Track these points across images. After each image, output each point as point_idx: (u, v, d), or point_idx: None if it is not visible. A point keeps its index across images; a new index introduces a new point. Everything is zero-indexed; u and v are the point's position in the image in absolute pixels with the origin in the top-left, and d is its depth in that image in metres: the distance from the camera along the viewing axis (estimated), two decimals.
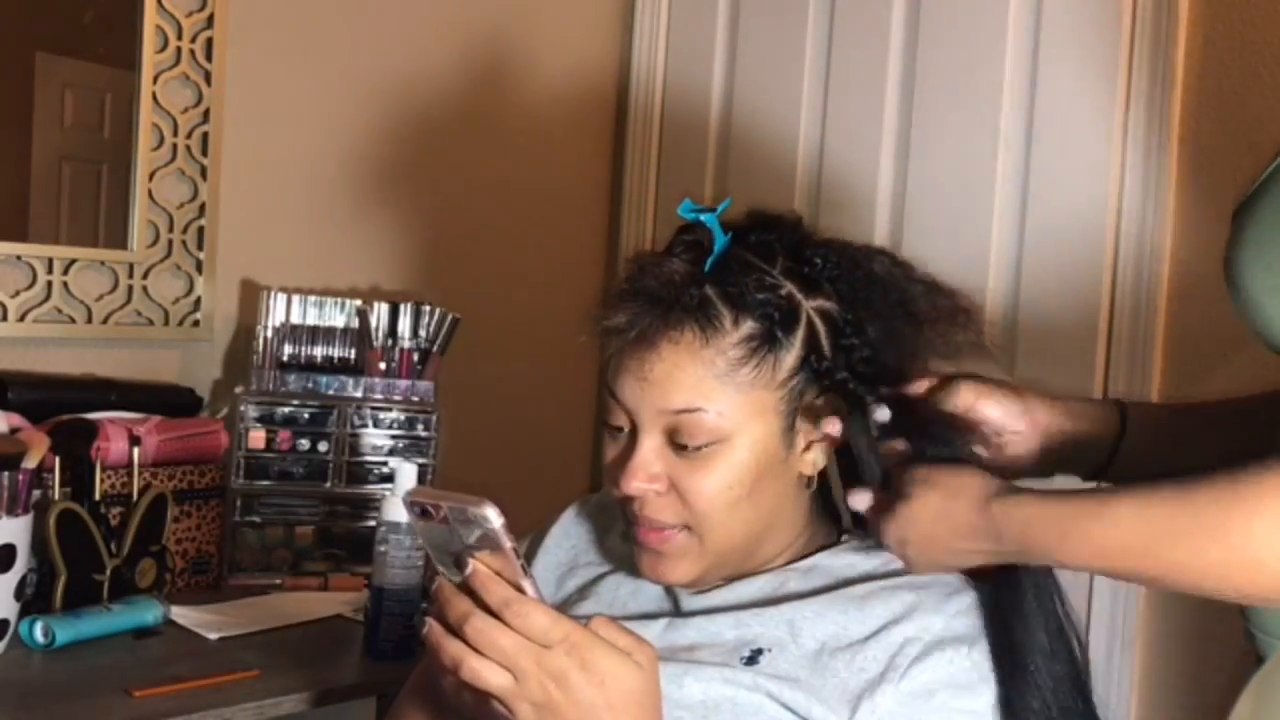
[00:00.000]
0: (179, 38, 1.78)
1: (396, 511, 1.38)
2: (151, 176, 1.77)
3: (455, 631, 0.78)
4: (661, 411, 0.91)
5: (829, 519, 1.04)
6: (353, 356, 1.83)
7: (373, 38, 2.02)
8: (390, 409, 1.79)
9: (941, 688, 0.87)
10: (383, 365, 1.81)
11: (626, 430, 0.94)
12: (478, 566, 0.79)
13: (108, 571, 1.48)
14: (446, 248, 2.13)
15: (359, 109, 2.01)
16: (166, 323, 1.80)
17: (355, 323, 1.82)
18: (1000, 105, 1.84)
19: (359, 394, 1.79)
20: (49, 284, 1.69)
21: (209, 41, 1.80)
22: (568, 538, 1.11)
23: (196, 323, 1.83)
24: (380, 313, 1.82)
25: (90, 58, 1.76)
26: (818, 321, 0.94)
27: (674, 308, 0.91)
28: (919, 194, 1.94)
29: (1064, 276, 1.78)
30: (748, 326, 0.91)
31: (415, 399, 1.81)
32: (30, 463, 1.34)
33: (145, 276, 1.78)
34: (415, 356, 1.83)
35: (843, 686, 0.87)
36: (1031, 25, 1.82)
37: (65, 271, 1.71)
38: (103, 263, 1.75)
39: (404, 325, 1.83)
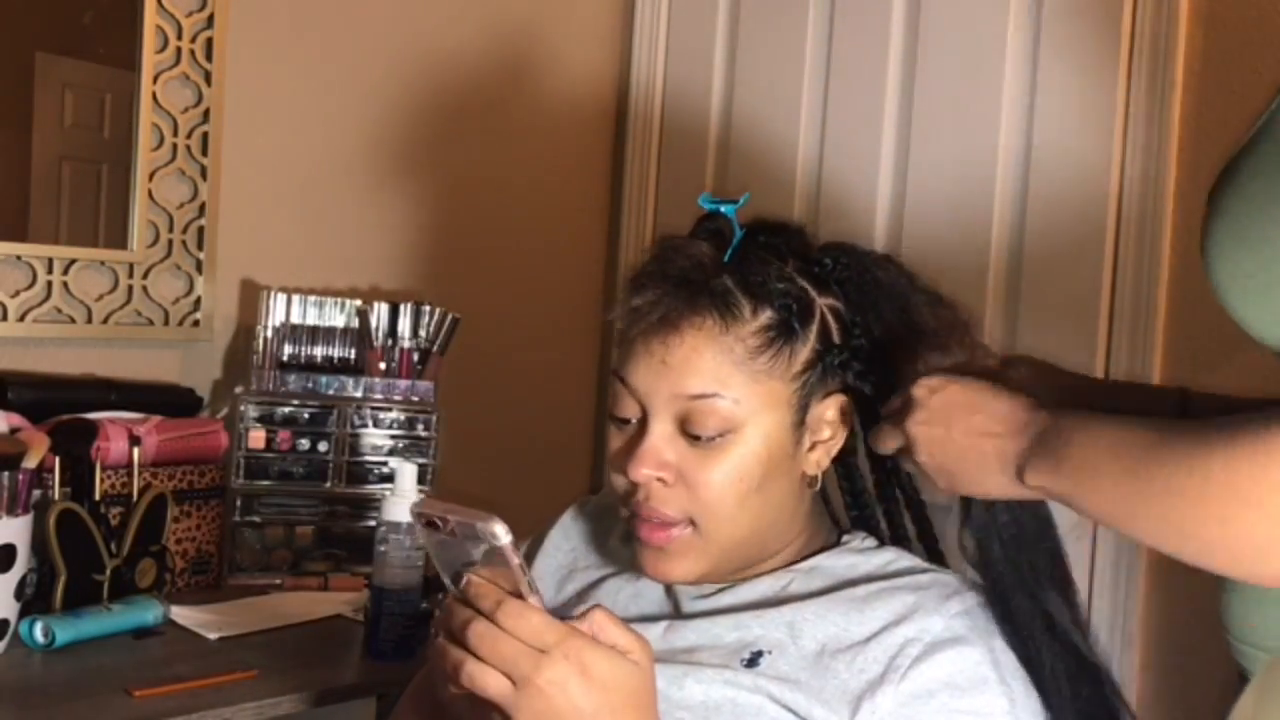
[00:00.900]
0: (179, 38, 1.78)
1: (396, 511, 1.38)
2: (151, 176, 1.77)
3: (458, 638, 0.78)
4: (677, 396, 0.91)
5: (829, 521, 1.04)
6: (353, 356, 1.83)
7: (373, 38, 2.02)
8: (390, 409, 1.79)
9: (941, 688, 0.87)
10: (383, 365, 1.81)
11: (635, 420, 0.94)
12: (472, 576, 0.79)
13: (108, 571, 1.48)
14: (446, 248, 2.13)
15: (359, 109, 2.01)
16: (166, 323, 1.80)
17: (355, 323, 1.83)
18: (1000, 106, 1.84)
19: (359, 394, 1.79)
20: (49, 284, 1.70)
21: (209, 41, 1.80)
22: (567, 540, 1.11)
23: (196, 323, 1.83)
24: (380, 313, 1.82)
25: (90, 58, 1.76)
26: (830, 318, 0.95)
27: (701, 292, 0.91)
28: (919, 196, 1.94)
29: (1064, 276, 1.78)
30: (766, 316, 0.92)
31: (415, 399, 1.81)
32: (30, 463, 1.34)
33: (145, 276, 1.78)
34: (415, 356, 1.83)
35: (843, 688, 0.87)
36: (1031, 26, 1.82)
37: (65, 271, 1.71)
38: (103, 263, 1.75)
39: (404, 325, 1.83)
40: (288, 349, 1.79)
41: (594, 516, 1.12)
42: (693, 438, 0.91)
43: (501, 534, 0.77)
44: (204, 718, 1.21)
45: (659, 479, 0.92)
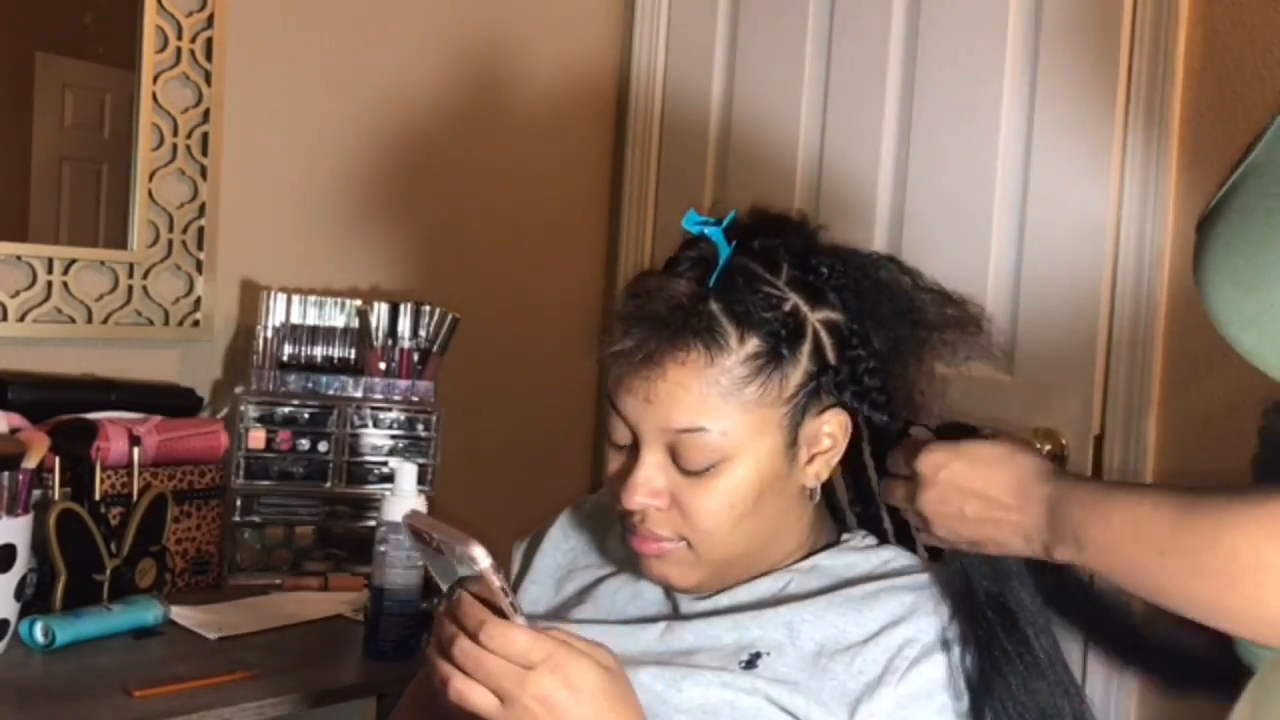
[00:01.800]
0: (179, 38, 1.78)
1: (396, 511, 1.38)
2: (151, 176, 1.77)
3: (446, 654, 0.79)
4: (664, 430, 0.91)
5: (830, 520, 1.04)
6: (353, 356, 1.83)
7: (373, 38, 2.02)
8: (390, 409, 1.79)
9: (940, 689, 0.87)
10: (383, 365, 1.81)
11: (629, 445, 0.94)
12: (461, 594, 0.79)
13: (108, 571, 1.48)
14: (446, 248, 2.13)
15: (359, 109, 2.01)
16: (166, 323, 1.80)
17: (355, 323, 1.82)
18: (1000, 106, 1.84)
19: (359, 394, 1.79)
20: (49, 284, 1.69)
21: (209, 41, 1.80)
22: (565, 540, 1.11)
23: (196, 323, 1.83)
24: (380, 313, 1.82)
25: (90, 58, 1.76)
26: (824, 334, 0.93)
27: (683, 328, 0.90)
28: (919, 195, 1.94)
29: (1063, 278, 1.78)
30: (753, 344, 0.90)
31: (415, 399, 1.81)
32: (30, 463, 1.34)
33: (145, 276, 1.78)
34: (415, 356, 1.83)
35: (841, 689, 0.87)
36: (1031, 26, 1.82)
37: (65, 271, 1.71)
38: (103, 263, 1.75)
39: (404, 325, 1.83)
40: (288, 349, 1.79)
41: (592, 516, 1.12)
42: (684, 466, 0.91)
43: (481, 558, 0.77)
44: (204, 718, 1.21)
45: (654, 506, 0.92)
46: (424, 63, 2.08)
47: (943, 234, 1.89)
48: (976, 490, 0.87)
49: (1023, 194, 1.83)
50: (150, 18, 1.74)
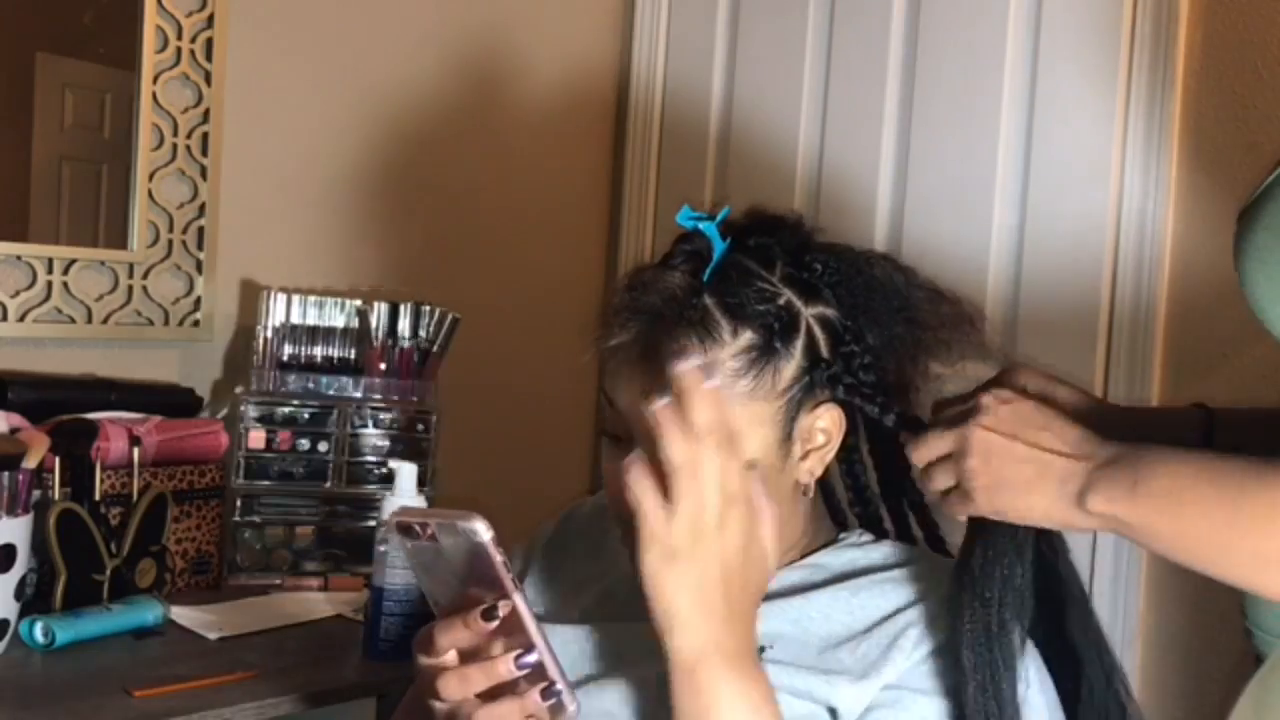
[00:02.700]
0: (179, 38, 1.78)
1: None
2: (151, 176, 1.77)
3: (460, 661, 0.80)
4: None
5: (828, 519, 1.04)
6: (353, 356, 1.83)
7: (372, 37, 2.02)
8: (390, 409, 1.79)
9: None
10: (383, 365, 1.81)
11: (624, 438, 0.94)
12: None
13: (108, 571, 1.48)
14: (446, 248, 2.13)
15: (359, 108, 2.01)
16: (166, 323, 1.80)
17: (355, 323, 1.82)
18: (1000, 105, 1.84)
19: (359, 394, 1.79)
20: (49, 284, 1.69)
21: (209, 41, 1.80)
22: (565, 549, 1.11)
23: (196, 323, 1.83)
24: (380, 313, 1.82)
25: (90, 58, 1.76)
26: (817, 329, 0.93)
27: (678, 320, 0.90)
28: (919, 194, 1.94)
29: (1064, 276, 1.78)
30: (746, 337, 0.90)
31: (415, 399, 1.81)
32: (30, 463, 1.34)
33: (145, 276, 1.78)
34: (415, 356, 1.83)
35: (848, 670, 0.88)
36: (1031, 25, 1.82)
37: (65, 271, 1.71)
38: (103, 263, 1.75)
39: (404, 325, 1.83)
40: (288, 349, 1.79)
41: (592, 517, 1.11)
42: None
43: (482, 530, 0.76)
44: (204, 718, 1.21)
45: None
46: (424, 62, 2.08)
47: (943, 233, 1.89)
48: (1041, 424, 0.83)
49: (1023, 194, 1.83)
50: (150, 18, 1.74)
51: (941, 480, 0.88)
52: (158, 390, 1.76)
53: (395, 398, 1.80)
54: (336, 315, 1.82)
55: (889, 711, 0.86)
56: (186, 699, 1.24)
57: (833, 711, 0.86)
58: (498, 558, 0.77)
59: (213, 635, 1.44)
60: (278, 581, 1.70)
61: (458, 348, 1.87)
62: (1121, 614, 1.70)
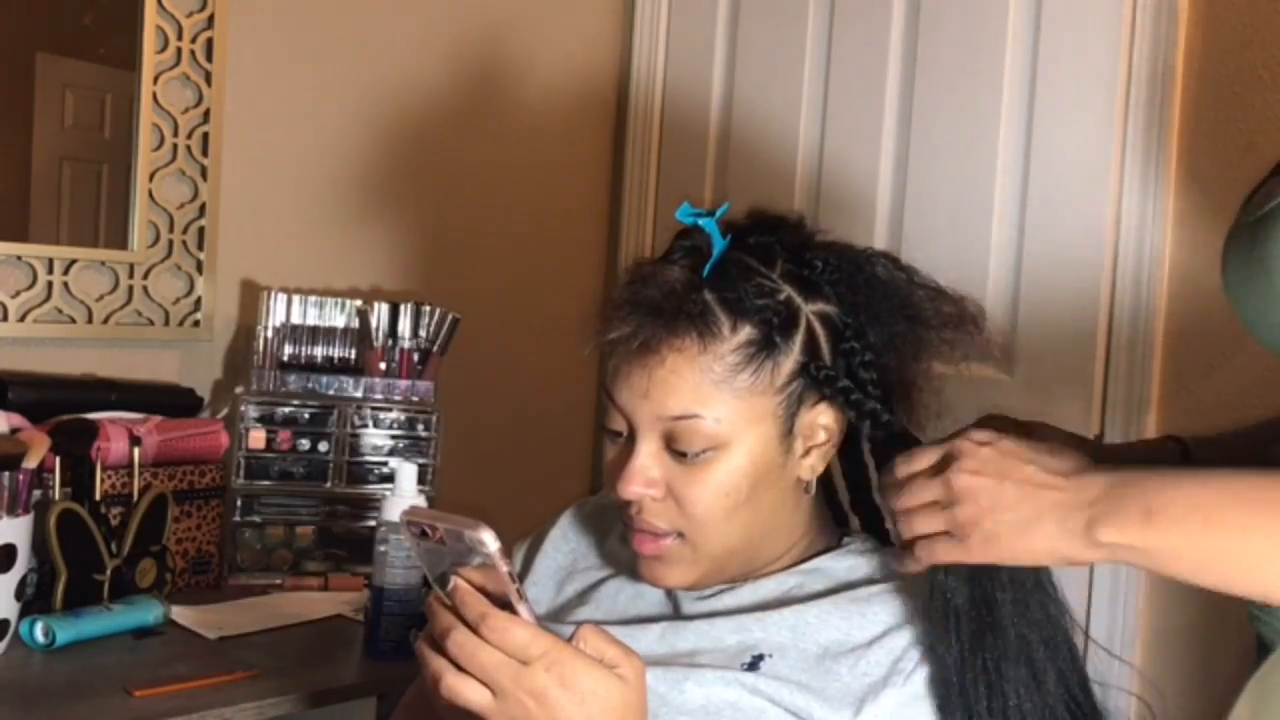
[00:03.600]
0: (179, 38, 1.78)
1: (396, 511, 1.37)
2: (152, 177, 1.77)
3: (438, 645, 0.78)
4: (659, 418, 0.91)
5: (831, 521, 1.03)
6: (353, 356, 1.83)
7: (372, 37, 2.02)
8: (390, 409, 1.79)
9: None
10: (383, 365, 1.81)
11: (625, 434, 0.94)
12: (459, 582, 0.79)
13: (108, 571, 1.48)
14: (446, 248, 2.13)
15: (359, 108, 2.01)
16: (167, 323, 1.80)
17: (355, 323, 1.83)
18: (1000, 106, 1.84)
19: (359, 394, 1.79)
20: (49, 284, 1.70)
21: (209, 41, 1.80)
22: (566, 541, 1.11)
23: (197, 323, 1.83)
24: (380, 313, 1.82)
25: (90, 58, 1.76)
26: (817, 326, 0.93)
27: (677, 315, 0.90)
28: (919, 194, 1.94)
29: (1064, 276, 1.78)
30: (746, 332, 0.90)
31: (415, 399, 1.81)
32: (31, 463, 1.34)
33: (145, 276, 1.78)
34: (415, 356, 1.83)
35: (845, 689, 0.87)
36: (1031, 26, 1.82)
37: (65, 271, 1.71)
38: (103, 263, 1.75)
39: (404, 325, 1.83)
40: (288, 349, 1.79)
41: (594, 517, 1.12)
42: (678, 454, 0.91)
43: (489, 541, 0.76)
44: (204, 718, 1.21)
45: (649, 495, 0.92)
46: (424, 62, 2.08)
47: (943, 233, 1.89)
48: (1028, 458, 0.81)
49: (1023, 194, 1.83)
50: (150, 18, 1.74)
51: (926, 525, 0.85)
52: (158, 390, 1.76)
53: (395, 398, 1.80)
54: (336, 315, 1.83)
55: None
56: (186, 699, 1.24)
57: None
58: (503, 568, 0.77)
59: (213, 635, 1.44)
60: (278, 581, 1.70)
61: (458, 348, 1.87)
62: (1121, 614, 1.70)
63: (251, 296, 1.86)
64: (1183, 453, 1.01)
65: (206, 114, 1.81)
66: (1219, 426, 1.09)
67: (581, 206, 2.35)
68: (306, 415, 1.76)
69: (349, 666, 1.41)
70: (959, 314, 0.96)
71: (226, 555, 1.71)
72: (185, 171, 1.80)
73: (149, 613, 1.44)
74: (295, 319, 1.79)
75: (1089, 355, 1.74)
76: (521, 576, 1.10)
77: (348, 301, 1.83)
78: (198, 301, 1.83)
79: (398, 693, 1.09)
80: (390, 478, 1.70)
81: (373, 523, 1.67)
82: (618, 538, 1.06)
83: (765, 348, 0.91)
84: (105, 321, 1.74)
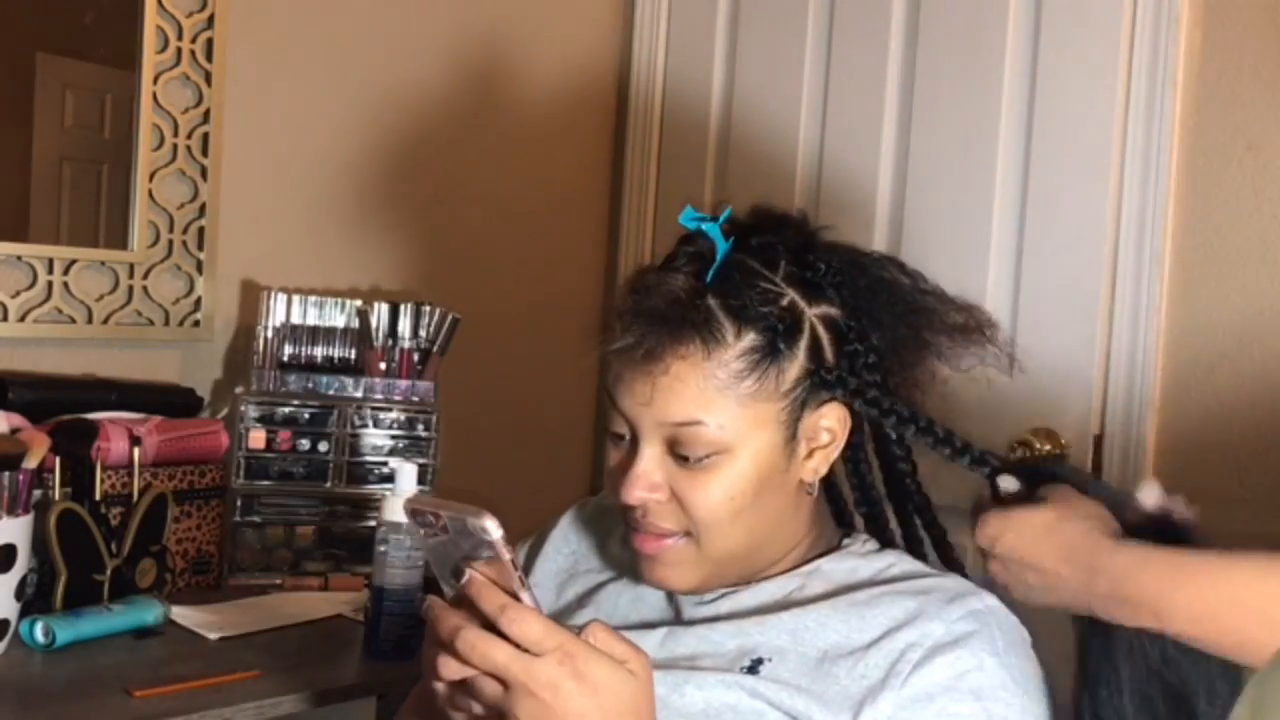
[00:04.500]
0: (179, 38, 1.78)
1: (396, 511, 1.38)
2: (152, 177, 1.77)
3: (447, 646, 0.78)
4: (662, 423, 0.91)
5: (832, 522, 1.03)
6: (353, 356, 1.83)
7: (373, 38, 2.02)
8: (390, 409, 1.79)
9: (941, 692, 0.86)
10: (383, 365, 1.81)
11: (628, 438, 0.94)
12: (474, 575, 0.79)
13: (108, 571, 1.48)
14: (446, 248, 2.13)
15: (359, 109, 2.01)
16: (167, 323, 1.80)
17: (355, 323, 1.82)
18: (1000, 105, 1.85)
19: (359, 394, 1.79)
20: (49, 284, 1.70)
21: (209, 41, 1.80)
22: (567, 543, 1.11)
23: (197, 323, 1.83)
24: (380, 313, 1.82)
25: (90, 58, 1.76)
26: (821, 329, 0.93)
27: (682, 322, 0.90)
28: (919, 194, 1.94)
29: (1064, 275, 1.78)
30: (750, 338, 0.90)
31: (415, 399, 1.81)
32: (31, 463, 1.34)
33: (145, 277, 1.78)
34: (415, 356, 1.83)
35: (844, 692, 0.87)
36: (1031, 26, 1.82)
37: (65, 272, 1.71)
38: (103, 263, 1.75)
39: (404, 325, 1.83)
40: (288, 349, 1.79)
41: (594, 519, 1.11)
42: (681, 458, 0.91)
43: (493, 529, 0.76)
44: (204, 718, 1.21)
45: (653, 499, 0.92)
46: (424, 63, 2.08)
47: (943, 234, 1.89)
48: (1030, 564, 0.89)
49: (1023, 194, 1.83)
50: (150, 18, 1.74)
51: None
52: (158, 390, 1.76)
53: (395, 398, 1.80)
54: (336, 315, 1.82)
55: None
56: (186, 699, 1.23)
57: None
58: (506, 556, 0.77)
59: (213, 635, 1.44)
60: (278, 581, 1.70)
61: (458, 348, 1.87)
62: None
63: (251, 296, 1.86)
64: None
65: (206, 114, 1.81)
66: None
67: (581, 206, 2.34)
68: (306, 415, 1.76)
69: (349, 666, 1.41)
70: (969, 323, 0.97)
71: (226, 555, 1.70)
72: (185, 171, 1.80)
73: (149, 613, 1.44)
74: (295, 319, 1.79)
75: (1089, 355, 1.74)
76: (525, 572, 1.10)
77: (348, 301, 1.83)
78: (198, 301, 1.83)
79: (397, 693, 1.09)
80: (390, 478, 1.70)
81: (373, 523, 1.66)
82: (619, 540, 1.06)
83: (769, 354, 0.91)
84: (105, 321, 1.74)
